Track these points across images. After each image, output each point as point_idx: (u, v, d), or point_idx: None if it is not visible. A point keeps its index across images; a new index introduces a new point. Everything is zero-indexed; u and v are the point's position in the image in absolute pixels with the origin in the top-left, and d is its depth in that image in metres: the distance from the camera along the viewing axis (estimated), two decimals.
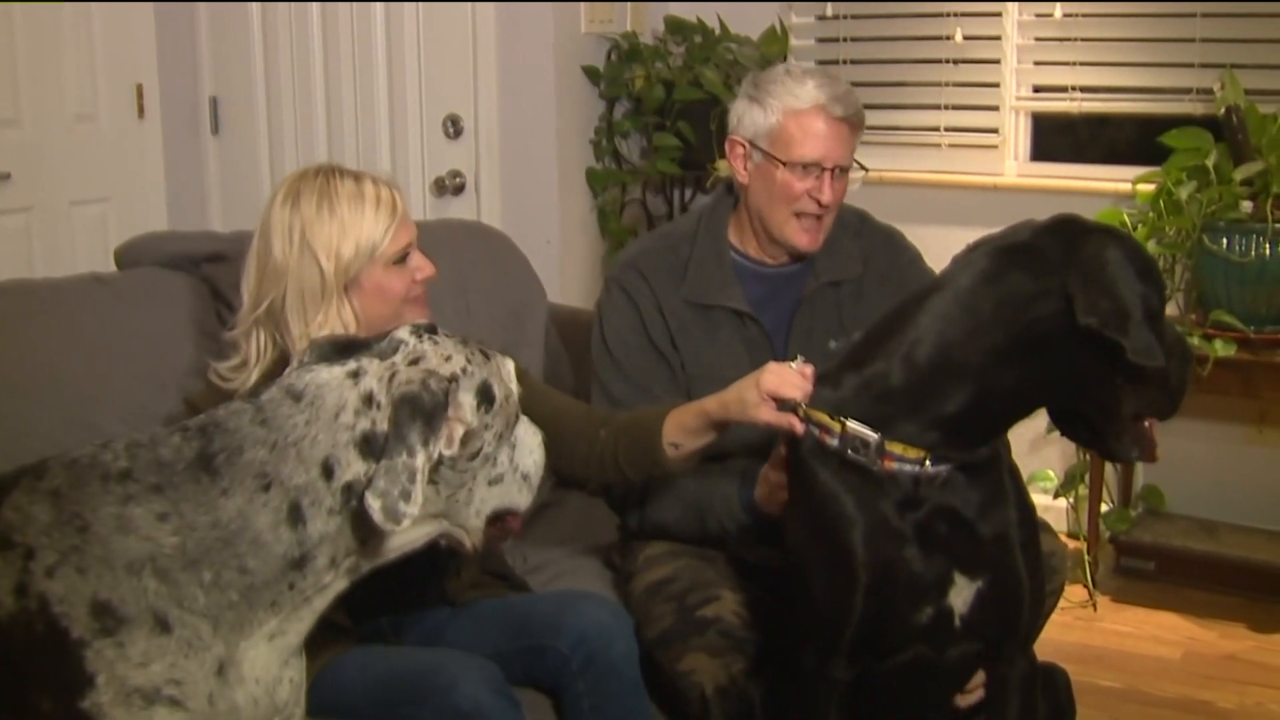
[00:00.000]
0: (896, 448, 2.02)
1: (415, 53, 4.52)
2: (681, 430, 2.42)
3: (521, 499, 1.99)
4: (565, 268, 4.56)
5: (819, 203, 2.63)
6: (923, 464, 2.01)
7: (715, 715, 2.37)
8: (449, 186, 4.52)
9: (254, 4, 4.69)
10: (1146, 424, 2.07)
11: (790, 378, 2.20)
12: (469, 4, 4.42)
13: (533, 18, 4.42)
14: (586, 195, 4.66)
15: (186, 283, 2.85)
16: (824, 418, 2.09)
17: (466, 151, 4.52)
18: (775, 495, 2.40)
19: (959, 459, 2.03)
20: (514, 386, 1.92)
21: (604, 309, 2.80)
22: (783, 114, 2.64)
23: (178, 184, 4.80)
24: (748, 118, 2.69)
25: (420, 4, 4.48)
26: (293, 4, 4.63)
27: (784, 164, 2.63)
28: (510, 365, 1.93)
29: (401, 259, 2.38)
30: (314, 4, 4.61)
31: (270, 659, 1.79)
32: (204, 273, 2.86)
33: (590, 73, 4.60)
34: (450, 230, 3.40)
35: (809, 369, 2.20)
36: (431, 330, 1.88)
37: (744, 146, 2.70)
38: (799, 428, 2.15)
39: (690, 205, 4.64)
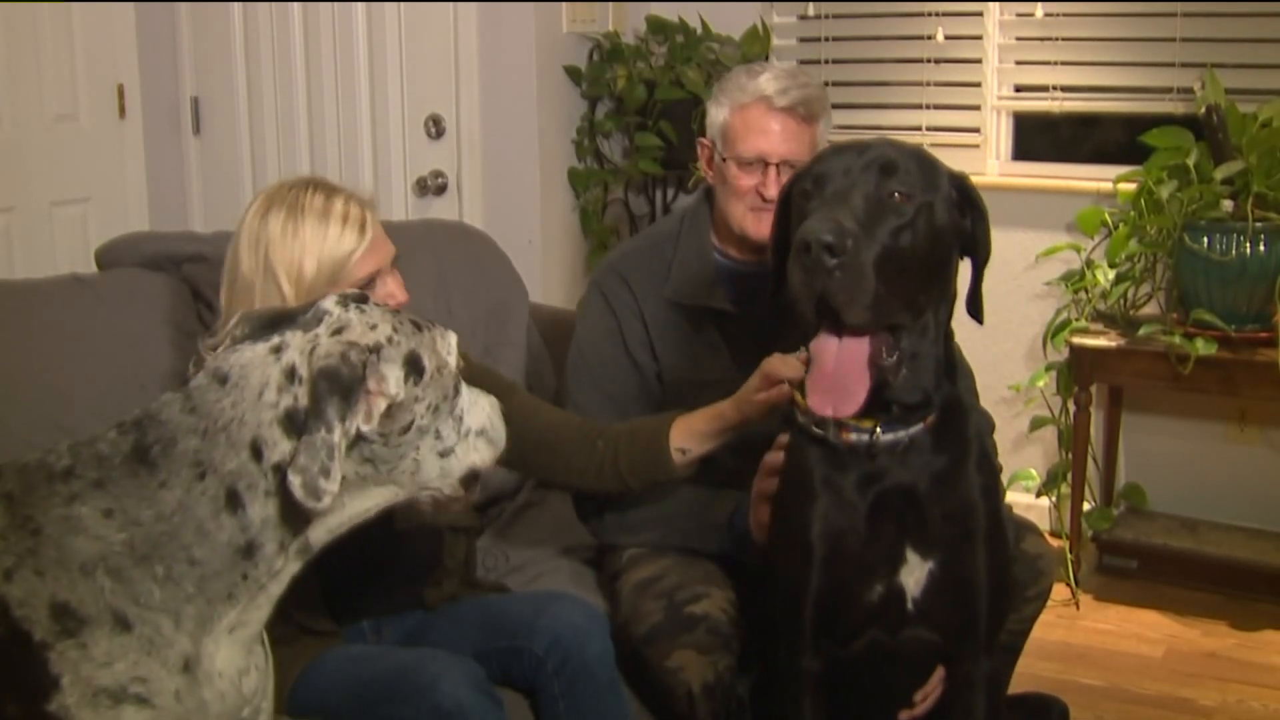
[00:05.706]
0: (851, 420, 2.05)
1: (397, 52, 4.51)
2: (692, 435, 2.46)
3: (481, 456, 1.93)
4: (547, 268, 4.56)
5: (763, 198, 2.60)
6: (874, 433, 2.04)
7: (702, 712, 2.37)
8: (431, 186, 4.52)
9: (235, 4, 4.67)
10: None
11: (790, 361, 2.31)
12: (450, 4, 4.41)
13: (514, 17, 4.41)
14: (568, 195, 4.66)
15: (167, 283, 2.84)
16: (798, 396, 2.16)
17: (448, 151, 4.52)
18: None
19: (902, 422, 2.05)
20: (450, 359, 1.86)
21: (583, 314, 2.81)
22: (730, 109, 2.64)
23: (159, 184, 4.79)
24: (710, 117, 2.70)
25: (402, 4, 4.47)
26: (274, 4, 4.62)
27: (733, 160, 2.63)
28: (452, 338, 1.88)
29: (369, 284, 2.31)
30: (295, 4, 4.59)
31: (234, 652, 1.77)
32: (185, 273, 2.85)
33: (572, 72, 4.60)
34: (432, 230, 3.39)
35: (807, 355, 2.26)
36: (361, 300, 1.83)
37: (708, 146, 2.71)
38: (787, 391, 2.25)
39: (672, 205, 4.65)
